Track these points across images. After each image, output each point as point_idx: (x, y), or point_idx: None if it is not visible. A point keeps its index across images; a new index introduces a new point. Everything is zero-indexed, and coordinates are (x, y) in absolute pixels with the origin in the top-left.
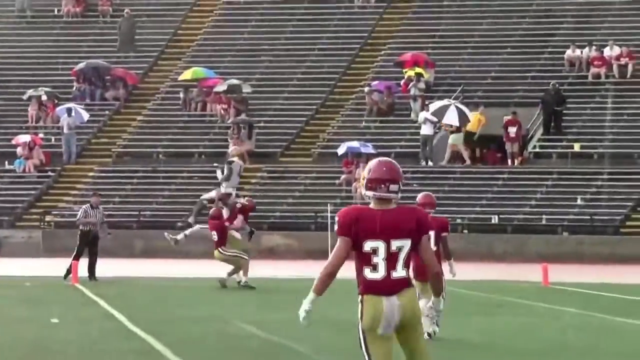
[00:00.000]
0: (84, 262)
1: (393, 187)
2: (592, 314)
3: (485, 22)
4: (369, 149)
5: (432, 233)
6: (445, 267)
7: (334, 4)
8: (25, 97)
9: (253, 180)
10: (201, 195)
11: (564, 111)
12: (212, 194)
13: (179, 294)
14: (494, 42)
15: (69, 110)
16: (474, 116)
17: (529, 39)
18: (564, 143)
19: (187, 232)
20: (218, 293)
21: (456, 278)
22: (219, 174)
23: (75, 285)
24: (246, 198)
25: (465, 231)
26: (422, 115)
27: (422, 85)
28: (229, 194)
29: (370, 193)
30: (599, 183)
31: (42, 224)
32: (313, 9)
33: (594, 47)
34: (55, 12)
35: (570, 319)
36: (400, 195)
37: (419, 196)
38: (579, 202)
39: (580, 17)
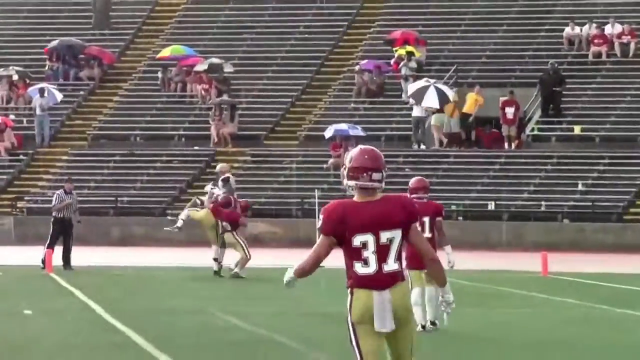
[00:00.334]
0: (58, 251)
1: (376, 175)
2: (593, 305)
3: None
4: (358, 131)
5: (426, 219)
6: (441, 255)
7: None
8: None
9: (236, 165)
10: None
11: (564, 92)
12: (207, 188)
13: (159, 284)
14: (489, 18)
15: (41, 91)
16: (469, 96)
17: (525, 15)
18: (564, 125)
19: (183, 217)
20: (200, 283)
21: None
22: (215, 191)
23: (49, 274)
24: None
25: (460, 218)
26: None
27: (413, 64)
28: (230, 200)
29: (352, 183)
30: (601, 168)
31: (13, 210)
32: None
33: (594, 25)
34: None
35: (570, 311)
36: (384, 184)
37: (412, 181)
38: (579, 187)
39: None
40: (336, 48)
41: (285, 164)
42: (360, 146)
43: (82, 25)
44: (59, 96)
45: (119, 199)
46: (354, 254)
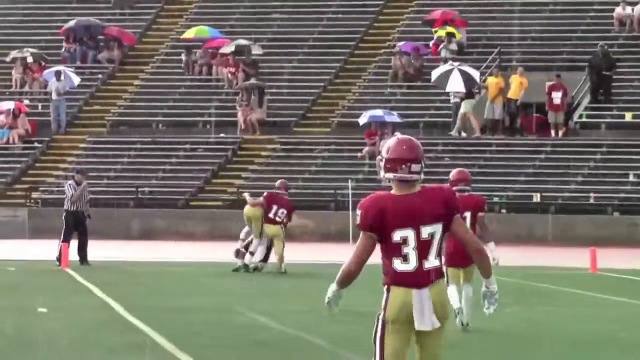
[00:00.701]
0: (74, 245)
1: (415, 167)
2: None
3: None
4: (394, 118)
5: (468, 214)
6: None
7: None
8: (8, 59)
9: (264, 154)
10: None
11: (614, 76)
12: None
13: (181, 280)
14: None
15: (57, 74)
16: (513, 79)
17: None
18: (614, 112)
19: (253, 251)
20: (225, 279)
21: (493, 263)
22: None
23: (65, 270)
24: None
25: (503, 211)
26: None
27: (454, 46)
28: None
29: (390, 175)
30: None
31: (27, 201)
32: None
33: None
34: None
35: (620, 309)
36: (423, 175)
37: (452, 172)
38: (631, 178)
39: None
40: (371, 29)
41: (316, 152)
42: (398, 135)
43: (101, 4)
44: (76, 80)
45: (139, 189)
46: (393, 250)
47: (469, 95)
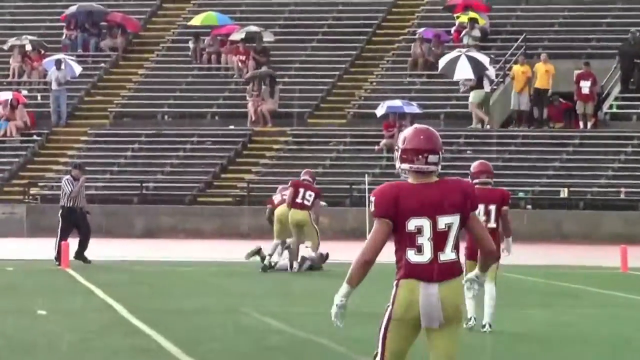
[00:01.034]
0: (75, 243)
1: (432, 158)
2: None
3: None
4: (413, 108)
5: (492, 207)
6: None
7: None
8: (6, 47)
9: (276, 147)
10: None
11: None
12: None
13: (188, 280)
14: None
15: (57, 63)
16: (537, 68)
17: None
18: None
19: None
20: (234, 279)
21: (518, 262)
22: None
23: (65, 270)
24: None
25: (529, 207)
26: None
27: (476, 33)
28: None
29: (406, 166)
30: None
31: (26, 197)
32: None
33: None
34: None
35: None
36: (440, 167)
37: (474, 164)
38: None
39: None
40: (389, 14)
41: (331, 145)
42: (416, 125)
43: None
44: (78, 69)
45: (144, 185)
46: (407, 240)
47: (478, 85)
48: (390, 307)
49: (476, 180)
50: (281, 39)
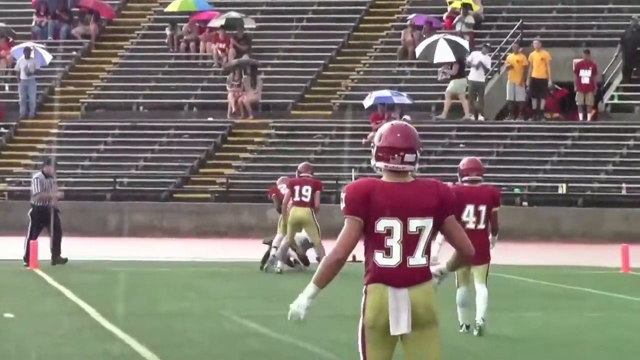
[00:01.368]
0: (44, 243)
1: (409, 157)
2: None
3: None
4: (403, 99)
5: (483, 208)
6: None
7: None
8: None
9: (257, 140)
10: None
11: None
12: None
13: (164, 282)
14: None
15: (26, 51)
16: (532, 57)
17: None
18: None
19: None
20: (213, 281)
21: (514, 263)
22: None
23: (34, 270)
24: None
25: (525, 204)
26: (472, 56)
27: (470, 19)
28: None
29: (381, 164)
30: None
31: None
32: None
33: None
34: None
35: None
36: (417, 167)
37: (463, 161)
38: None
39: None
40: (378, 0)
41: (316, 138)
42: (392, 122)
43: None
44: (48, 57)
45: (117, 180)
46: (375, 242)
47: (459, 74)
48: (362, 314)
49: (465, 178)
50: (263, 26)
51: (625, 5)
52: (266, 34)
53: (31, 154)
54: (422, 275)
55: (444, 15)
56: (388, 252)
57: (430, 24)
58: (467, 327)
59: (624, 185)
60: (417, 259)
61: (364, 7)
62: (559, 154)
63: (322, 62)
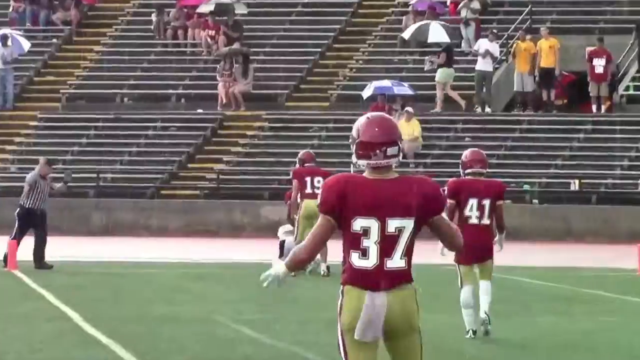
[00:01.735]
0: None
1: (391, 150)
2: None
3: None
4: (405, 90)
5: (486, 202)
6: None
7: None
8: None
9: (250, 133)
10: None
11: None
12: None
13: (150, 284)
14: None
15: (3, 39)
16: (541, 45)
17: None
18: None
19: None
20: (203, 283)
21: (523, 264)
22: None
23: (12, 272)
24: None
25: (535, 201)
26: (479, 44)
27: (476, 5)
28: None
29: (363, 162)
30: None
31: None
32: None
33: None
34: None
35: None
36: (400, 158)
37: (466, 152)
38: None
39: None
40: None
41: (312, 131)
42: (369, 114)
43: None
44: (26, 45)
45: (101, 176)
46: (351, 242)
47: (448, 62)
48: (338, 317)
49: (468, 171)
50: (255, 12)
51: None
52: (258, 20)
53: (8, 147)
54: (400, 278)
55: (449, 1)
56: (364, 253)
57: (433, 10)
58: (474, 332)
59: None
60: (395, 261)
61: None
62: (571, 149)
63: (318, 50)
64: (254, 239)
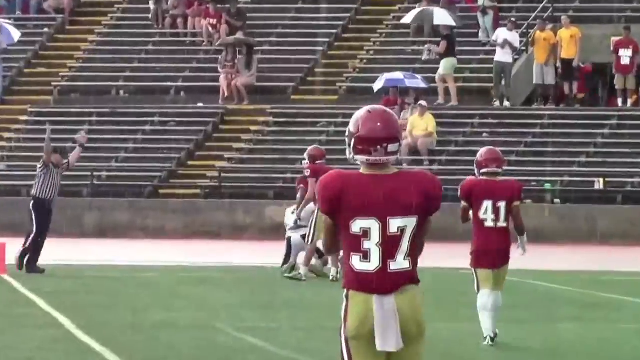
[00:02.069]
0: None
1: (392, 147)
2: None
3: None
4: (418, 82)
5: (502, 204)
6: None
7: None
8: None
9: (253, 128)
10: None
11: None
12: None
13: (148, 289)
14: None
15: None
16: (561, 34)
17: None
18: None
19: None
20: (202, 288)
21: (544, 267)
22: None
23: (1, 276)
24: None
25: (557, 201)
26: (497, 34)
27: None
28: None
29: (362, 158)
30: None
31: None
32: None
33: None
34: None
35: None
36: (399, 156)
37: (481, 151)
38: None
39: None
40: None
41: (320, 126)
42: (369, 107)
43: None
44: (16, 35)
45: (95, 174)
46: (351, 244)
47: (449, 52)
48: (343, 323)
49: (483, 171)
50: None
51: None
52: (263, 8)
53: None
54: (405, 280)
55: None
56: (365, 256)
57: None
58: (492, 339)
59: None
60: (399, 263)
61: None
62: (595, 145)
63: (327, 40)
64: (257, 241)
